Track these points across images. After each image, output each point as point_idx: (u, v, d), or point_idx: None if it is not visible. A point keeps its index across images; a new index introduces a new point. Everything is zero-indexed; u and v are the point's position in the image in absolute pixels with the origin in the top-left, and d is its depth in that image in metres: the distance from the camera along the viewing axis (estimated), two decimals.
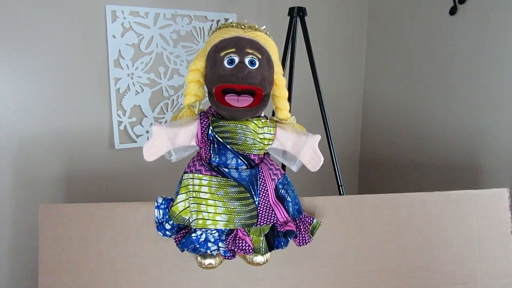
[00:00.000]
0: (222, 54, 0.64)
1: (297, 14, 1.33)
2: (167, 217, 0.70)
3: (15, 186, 1.29)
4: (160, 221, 0.70)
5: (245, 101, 0.64)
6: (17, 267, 1.33)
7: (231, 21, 0.71)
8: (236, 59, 0.64)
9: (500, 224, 0.85)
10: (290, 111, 1.48)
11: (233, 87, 0.64)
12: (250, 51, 0.64)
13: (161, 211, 0.70)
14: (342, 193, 1.30)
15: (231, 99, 0.64)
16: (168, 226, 0.70)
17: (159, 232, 0.70)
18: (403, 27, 1.64)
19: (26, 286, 1.34)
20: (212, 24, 1.48)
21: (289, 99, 1.38)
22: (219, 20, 1.49)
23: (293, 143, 0.70)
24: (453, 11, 1.40)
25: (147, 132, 1.45)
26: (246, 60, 0.64)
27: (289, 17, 1.34)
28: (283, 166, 1.33)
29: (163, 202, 0.71)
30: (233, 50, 0.64)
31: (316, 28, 1.63)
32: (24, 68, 1.24)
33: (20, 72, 1.24)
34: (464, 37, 1.38)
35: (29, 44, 1.24)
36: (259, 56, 0.65)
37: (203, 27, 1.47)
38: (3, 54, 1.21)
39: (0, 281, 1.32)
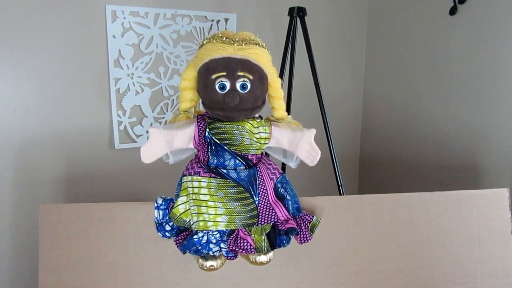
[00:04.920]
0: (213, 77, 0.64)
1: (297, 14, 1.33)
2: (167, 218, 0.70)
3: (15, 186, 1.29)
4: (160, 222, 0.70)
5: None
6: (17, 267, 1.33)
7: (219, 31, 0.70)
8: (227, 85, 0.64)
9: (500, 224, 0.85)
10: (290, 111, 1.48)
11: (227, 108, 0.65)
12: (241, 73, 0.64)
13: (160, 212, 0.70)
14: (342, 193, 1.30)
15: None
16: (168, 227, 0.70)
17: (159, 233, 0.70)
18: (403, 27, 1.64)
19: (26, 286, 1.34)
20: (212, 24, 1.48)
21: (289, 99, 1.39)
22: (219, 20, 1.49)
23: (289, 139, 0.70)
24: (453, 11, 1.40)
25: (147, 132, 1.45)
26: (238, 85, 0.64)
27: (289, 17, 1.34)
28: (283, 166, 1.33)
29: (162, 203, 0.71)
30: (224, 74, 0.64)
31: (316, 28, 1.63)
32: (24, 68, 1.24)
33: (20, 72, 1.24)
34: (464, 37, 1.38)
35: (29, 44, 1.24)
36: (251, 77, 0.65)
37: (203, 27, 1.47)
38: (3, 54, 1.21)
39: (0, 281, 1.32)
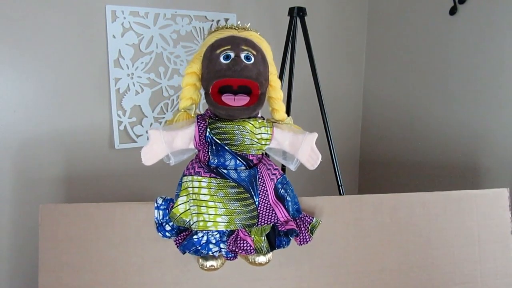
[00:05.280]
0: (218, 51, 0.65)
1: (297, 14, 1.33)
2: (167, 218, 0.70)
3: (15, 186, 1.29)
4: (160, 222, 0.70)
5: (242, 100, 0.65)
6: (17, 267, 1.33)
7: (225, 24, 0.72)
8: (232, 54, 0.65)
9: (500, 224, 0.85)
10: (290, 111, 1.48)
11: (230, 81, 0.64)
12: (245, 47, 0.65)
13: (161, 212, 0.70)
14: (342, 193, 1.30)
15: (228, 98, 0.64)
16: (168, 227, 0.70)
17: (159, 233, 0.70)
18: (403, 27, 1.64)
19: (26, 286, 1.34)
20: (212, 24, 1.48)
21: (289, 99, 1.39)
22: (219, 20, 1.49)
23: (291, 142, 0.70)
24: (453, 11, 1.40)
25: (147, 132, 1.45)
26: (242, 55, 0.65)
27: (289, 17, 1.34)
28: (283, 167, 1.33)
29: (163, 203, 0.71)
30: (229, 47, 0.65)
31: (316, 28, 1.63)
32: (24, 68, 1.24)
33: (20, 72, 1.24)
34: (464, 37, 1.38)
35: (29, 44, 1.24)
36: (254, 53, 0.66)
37: (203, 27, 1.47)
38: (3, 54, 1.21)
39: (0, 281, 1.32)
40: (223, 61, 0.64)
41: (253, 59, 0.65)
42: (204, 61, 0.68)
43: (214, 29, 0.71)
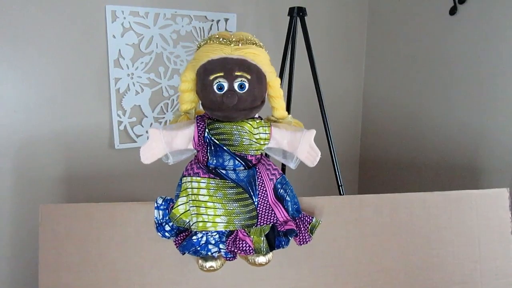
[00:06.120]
0: (211, 78, 0.64)
1: (297, 14, 1.33)
2: (167, 218, 0.70)
3: (15, 186, 1.29)
4: (159, 222, 0.70)
5: None
6: (17, 267, 1.33)
7: (217, 34, 0.69)
8: (225, 86, 0.64)
9: (500, 224, 0.85)
10: (290, 111, 1.48)
11: (225, 111, 0.66)
12: (238, 73, 0.64)
13: (160, 212, 0.70)
14: (342, 193, 1.30)
15: None
16: (167, 228, 0.70)
17: (159, 233, 0.70)
18: (403, 27, 1.64)
19: (26, 286, 1.34)
20: (212, 24, 1.48)
21: (289, 99, 1.39)
22: (219, 20, 1.49)
23: (289, 140, 0.70)
24: (453, 11, 1.40)
25: (147, 132, 1.45)
26: (236, 85, 0.64)
27: (289, 17, 1.35)
28: (283, 167, 1.33)
29: (162, 203, 0.71)
30: (221, 74, 0.64)
31: (316, 28, 1.63)
32: (24, 68, 1.24)
33: (20, 72, 1.24)
34: (464, 37, 1.38)
35: (29, 44, 1.24)
36: (249, 77, 0.65)
37: (203, 27, 1.47)
38: (3, 54, 1.21)
39: (0, 281, 1.32)
40: (217, 92, 0.64)
41: (247, 86, 0.65)
42: (199, 79, 0.67)
43: (207, 40, 0.68)
